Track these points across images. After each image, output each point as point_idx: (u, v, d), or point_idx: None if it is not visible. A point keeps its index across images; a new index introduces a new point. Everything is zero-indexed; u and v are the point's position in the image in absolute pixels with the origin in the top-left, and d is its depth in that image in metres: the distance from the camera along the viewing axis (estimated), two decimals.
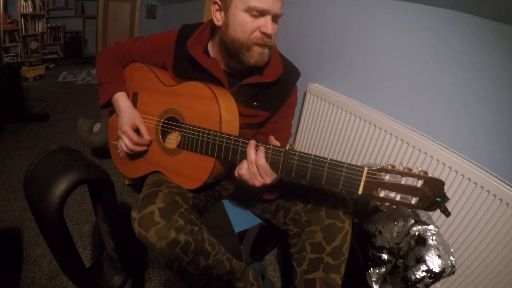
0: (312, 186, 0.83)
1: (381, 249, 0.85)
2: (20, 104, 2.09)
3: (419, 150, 1.05)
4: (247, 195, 0.97)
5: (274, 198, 0.84)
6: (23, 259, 1.04)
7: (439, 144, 1.02)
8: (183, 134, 0.79)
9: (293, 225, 0.82)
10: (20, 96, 2.11)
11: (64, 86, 2.97)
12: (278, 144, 0.66)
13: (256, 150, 0.65)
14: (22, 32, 3.42)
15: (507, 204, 0.85)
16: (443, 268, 0.72)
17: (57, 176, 0.60)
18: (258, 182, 0.66)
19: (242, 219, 0.99)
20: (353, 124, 1.30)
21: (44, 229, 0.64)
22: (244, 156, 0.68)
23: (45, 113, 2.16)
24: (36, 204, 0.61)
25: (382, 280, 0.84)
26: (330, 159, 0.60)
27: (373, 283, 0.84)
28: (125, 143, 0.85)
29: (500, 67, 0.91)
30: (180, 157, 0.81)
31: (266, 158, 0.65)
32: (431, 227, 0.78)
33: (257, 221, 1.02)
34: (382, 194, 0.58)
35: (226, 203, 1.00)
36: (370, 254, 0.87)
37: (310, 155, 0.62)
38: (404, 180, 0.57)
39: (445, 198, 0.55)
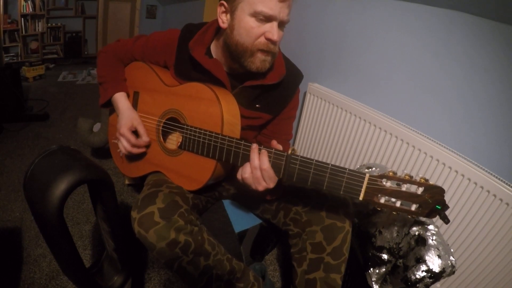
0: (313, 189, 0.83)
1: (381, 249, 0.85)
2: (20, 104, 2.09)
3: (419, 150, 1.05)
4: (247, 196, 0.97)
5: (274, 199, 0.84)
6: (23, 259, 1.04)
7: (439, 144, 1.02)
8: (184, 135, 0.79)
9: (293, 225, 0.82)
10: (20, 96, 2.11)
11: (64, 86, 2.97)
12: (281, 148, 0.66)
13: (259, 154, 0.65)
14: (22, 32, 3.42)
15: (507, 204, 0.85)
16: (443, 268, 0.72)
17: (57, 176, 0.60)
18: (261, 186, 0.67)
19: (242, 219, 0.99)
20: (353, 124, 1.30)
21: (44, 229, 0.64)
22: (245, 159, 0.68)
23: (45, 113, 2.16)
24: (36, 204, 0.61)
25: (382, 280, 0.84)
26: (332, 165, 0.60)
27: (373, 283, 0.84)
28: (124, 145, 0.85)
29: (500, 67, 0.91)
30: (181, 158, 0.81)
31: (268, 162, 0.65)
32: (431, 227, 0.78)
33: (257, 221, 1.02)
34: (382, 200, 0.58)
35: (226, 203, 1.00)
36: (370, 254, 0.87)
37: (312, 160, 0.62)
38: (404, 187, 0.57)
39: (445, 206, 0.56)
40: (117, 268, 0.84)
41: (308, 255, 0.77)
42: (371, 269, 0.86)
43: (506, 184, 0.86)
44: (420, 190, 0.56)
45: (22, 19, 3.39)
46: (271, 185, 0.66)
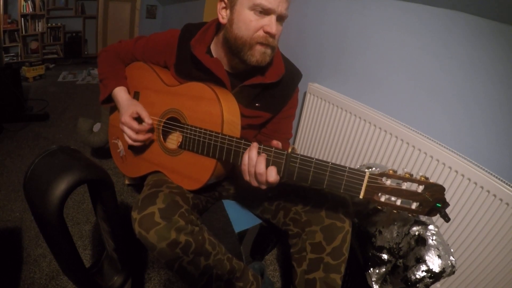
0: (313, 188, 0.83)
1: (381, 249, 0.85)
2: (20, 104, 2.09)
3: (419, 150, 1.05)
4: (247, 196, 0.97)
5: (274, 198, 0.84)
6: (23, 259, 1.04)
7: (439, 144, 1.02)
8: (184, 134, 0.79)
9: (293, 225, 0.82)
10: (20, 96, 2.11)
11: (64, 86, 2.97)
12: (281, 147, 0.66)
13: (258, 156, 0.65)
14: (22, 32, 3.42)
15: (507, 204, 0.85)
16: (443, 268, 0.72)
17: (57, 176, 0.60)
18: (254, 184, 0.68)
19: (242, 219, 0.99)
20: (353, 124, 1.30)
21: (44, 229, 0.64)
22: None
23: (45, 113, 2.16)
24: (36, 204, 0.61)
25: (382, 280, 0.84)
26: (332, 163, 0.60)
27: (373, 283, 0.84)
28: (128, 134, 0.82)
29: (500, 67, 0.91)
30: (181, 158, 0.81)
31: (268, 161, 0.65)
32: (431, 227, 0.78)
33: (257, 221, 1.02)
34: (383, 198, 0.58)
35: (226, 203, 1.00)
36: (370, 254, 0.87)
37: (312, 158, 0.62)
38: (405, 185, 0.57)
39: (446, 204, 0.56)
40: (117, 268, 0.84)
41: (307, 255, 0.77)
42: (371, 269, 0.86)
43: (506, 184, 0.86)
44: (421, 188, 0.56)
45: (22, 19, 3.39)
46: (263, 187, 0.67)
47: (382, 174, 0.57)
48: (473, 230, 0.93)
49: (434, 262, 0.72)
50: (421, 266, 0.73)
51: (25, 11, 3.39)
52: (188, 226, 0.69)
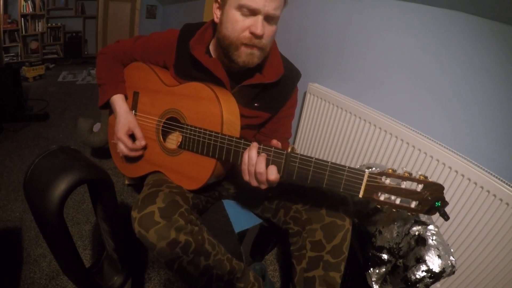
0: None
1: (381, 249, 0.85)
2: (20, 104, 2.09)
3: (419, 150, 1.05)
4: (247, 195, 0.97)
5: (274, 196, 0.84)
6: (23, 259, 1.04)
7: (439, 144, 1.02)
8: (184, 134, 0.79)
9: (293, 224, 0.82)
10: (20, 96, 2.11)
11: (64, 86, 2.97)
12: (281, 147, 0.66)
13: (258, 156, 0.65)
14: (22, 32, 3.42)
15: (507, 204, 0.85)
16: (443, 268, 0.72)
17: (57, 176, 0.60)
18: (253, 183, 0.68)
19: (242, 219, 0.99)
20: (353, 124, 1.30)
21: (44, 229, 0.64)
22: None
23: (45, 113, 2.16)
24: (36, 204, 0.61)
25: (382, 280, 0.84)
26: (332, 163, 0.60)
27: (373, 283, 0.84)
28: (121, 149, 0.88)
29: (500, 67, 0.91)
30: (180, 158, 0.81)
31: (268, 160, 0.65)
32: (431, 227, 0.78)
33: (257, 221, 1.02)
34: (382, 197, 0.59)
35: (226, 203, 1.00)
36: (370, 254, 0.87)
37: (312, 158, 0.62)
38: (404, 184, 0.57)
39: (445, 203, 0.57)
40: (117, 268, 0.84)
41: (307, 253, 0.77)
42: (371, 269, 0.86)
43: (506, 184, 0.86)
44: (420, 187, 0.56)
45: (22, 19, 3.39)
46: (263, 186, 0.66)
47: (381, 173, 0.58)
48: (473, 230, 0.93)
49: (434, 262, 0.72)
50: (421, 266, 0.73)
51: (25, 11, 3.39)
52: (188, 225, 0.69)
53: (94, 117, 1.66)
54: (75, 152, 0.70)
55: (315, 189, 0.82)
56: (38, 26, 3.56)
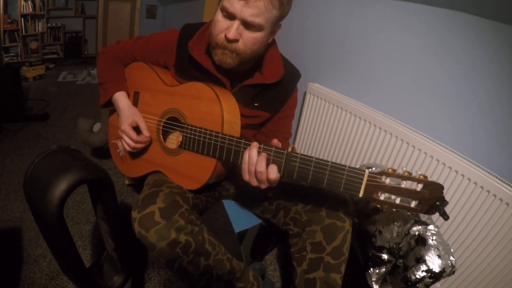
0: (313, 187, 0.83)
1: (381, 249, 0.85)
2: (20, 104, 2.09)
3: (419, 150, 1.05)
4: (247, 195, 0.97)
5: (275, 196, 0.84)
6: (23, 259, 1.04)
7: (439, 144, 1.02)
8: (184, 134, 0.79)
9: (293, 225, 0.82)
10: (20, 96, 2.11)
11: (64, 86, 2.97)
12: (280, 146, 0.66)
13: (258, 155, 0.65)
14: (22, 32, 3.42)
15: (507, 204, 0.85)
16: (443, 268, 0.72)
17: (57, 176, 0.60)
18: (254, 183, 0.67)
19: (242, 219, 0.99)
20: (353, 124, 1.30)
21: (44, 229, 0.64)
22: None
23: (45, 113, 2.16)
24: (36, 204, 0.61)
25: (382, 280, 0.84)
26: (332, 162, 0.61)
27: (373, 283, 0.84)
28: (126, 142, 0.85)
29: (500, 67, 0.91)
30: (181, 158, 0.81)
31: (268, 160, 0.65)
32: (431, 227, 0.78)
33: (257, 221, 1.02)
34: (382, 197, 0.59)
35: (226, 203, 1.00)
36: (370, 254, 0.87)
37: (312, 157, 0.62)
38: (404, 184, 0.57)
39: (444, 202, 0.57)
40: (117, 268, 0.84)
41: (308, 254, 0.77)
42: (371, 269, 0.86)
43: (506, 184, 0.86)
44: (419, 187, 0.57)
45: (22, 19, 3.39)
46: (263, 186, 0.66)
47: (381, 173, 0.58)
48: (473, 230, 0.93)
49: (434, 262, 0.72)
50: (421, 266, 0.73)
51: (25, 11, 3.39)
52: (188, 226, 0.69)
53: (94, 117, 1.66)
54: (75, 152, 0.70)
55: (315, 190, 0.82)
56: (38, 26, 3.56)
